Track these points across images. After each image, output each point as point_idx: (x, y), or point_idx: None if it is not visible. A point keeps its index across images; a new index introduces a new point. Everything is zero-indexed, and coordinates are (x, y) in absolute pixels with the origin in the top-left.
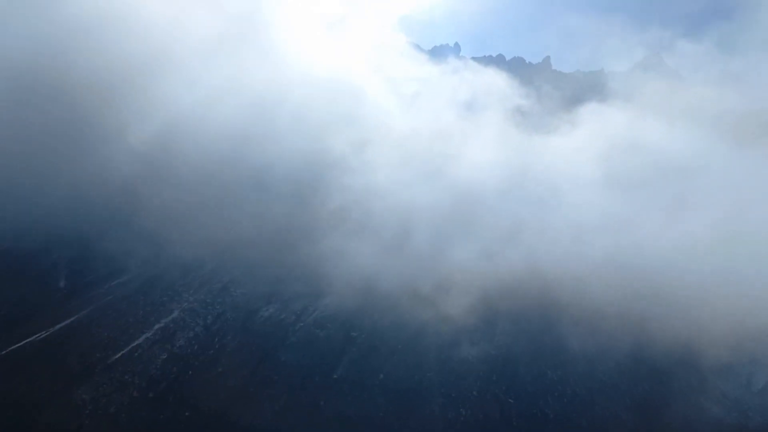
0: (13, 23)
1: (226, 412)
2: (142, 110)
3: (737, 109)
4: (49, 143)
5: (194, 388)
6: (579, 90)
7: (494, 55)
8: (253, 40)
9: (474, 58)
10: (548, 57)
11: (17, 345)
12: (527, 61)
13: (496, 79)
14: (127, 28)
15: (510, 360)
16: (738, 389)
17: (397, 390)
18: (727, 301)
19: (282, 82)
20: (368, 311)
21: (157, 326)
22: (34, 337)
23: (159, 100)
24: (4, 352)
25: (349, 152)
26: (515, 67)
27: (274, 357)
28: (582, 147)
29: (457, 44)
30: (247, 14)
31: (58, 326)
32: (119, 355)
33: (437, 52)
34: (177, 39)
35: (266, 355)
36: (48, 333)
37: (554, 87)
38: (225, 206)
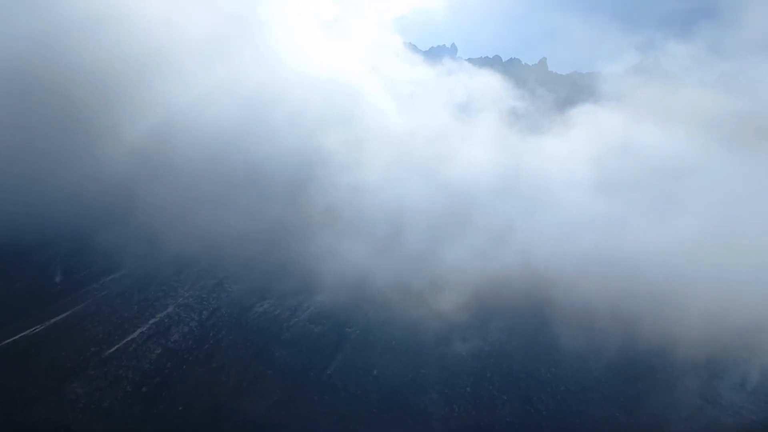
0: (8, 21)
1: (219, 407)
2: (137, 108)
3: (730, 112)
4: (45, 141)
5: (188, 383)
6: (574, 92)
7: (491, 56)
8: (248, 39)
9: (470, 59)
10: (544, 58)
11: (12, 339)
12: (523, 63)
13: (491, 81)
14: (123, 27)
15: (503, 357)
16: (732, 388)
17: (390, 386)
18: (721, 300)
19: (277, 82)
20: (362, 308)
21: (151, 321)
22: (29, 331)
23: (154, 98)
24: None
25: (343, 151)
26: (511, 68)
27: (268, 353)
28: (576, 148)
29: (454, 45)
30: (242, 14)
31: (52, 321)
32: (113, 349)
33: (434, 53)
34: (173, 38)
35: (260, 351)
36: (43, 327)
37: (549, 89)
38: (220, 203)
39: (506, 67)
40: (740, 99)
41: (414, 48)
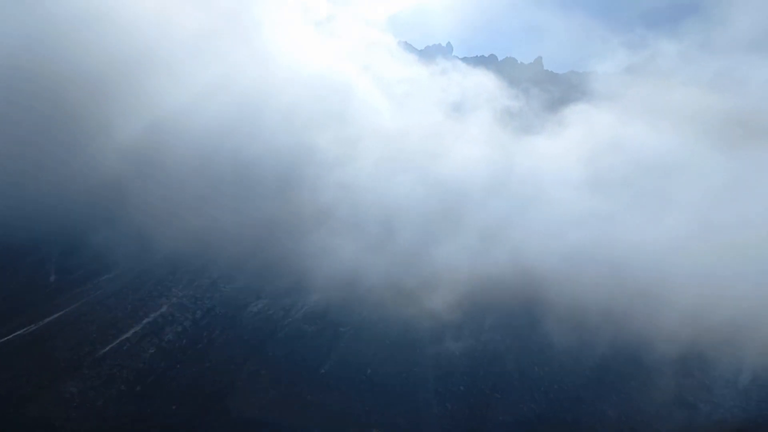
0: None
1: (213, 407)
2: (129, 107)
3: (719, 111)
4: (37, 139)
5: (182, 382)
6: (569, 91)
7: (486, 55)
8: (240, 38)
9: (465, 58)
10: (540, 57)
11: (6, 338)
12: (519, 61)
13: (484, 80)
14: (115, 25)
15: (496, 356)
16: (723, 386)
17: (384, 385)
18: (712, 298)
19: (269, 80)
20: (357, 307)
21: (145, 320)
22: (23, 330)
23: (146, 96)
24: None
25: (335, 149)
26: (507, 67)
27: (262, 352)
28: (569, 147)
29: (449, 44)
30: (235, 11)
31: (47, 320)
32: (107, 348)
33: (429, 52)
34: (164, 36)
35: (254, 350)
36: (37, 327)
37: (543, 88)
38: (213, 202)
39: (501, 66)
40: (729, 97)
41: (409, 47)
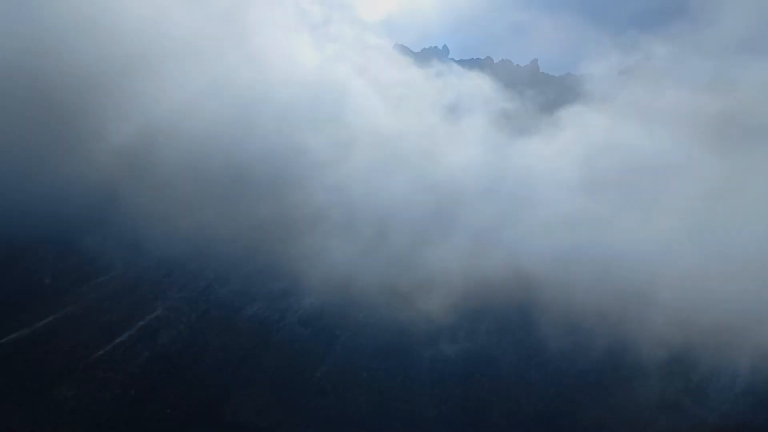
0: None
1: (207, 411)
2: (123, 110)
3: (712, 112)
4: (30, 142)
5: (176, 386)
6: (564, 93)
7: (483, 57)
8: (235, 39)
9: (462, 61)
10: (536, 60)
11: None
12: (515, 64)
13: (480, 83)
14: (109, 28)
15: (492, 359)
16: (720, 390)
17: (379, 389)
18: (706, 301)
19: (264, 82)
20: (351, 310)
21: (140, 324)
22: (17, 334)
23: (140, 99)
24: None
25: (330, 152)
26: (502, 69)
27: (257, 356)
28: (564, 149)
29: (445, 46)
30: (229, 14)
31: (41, 323)
32: (102, 352)
33: (425, 55)
34: (158, 38)
35: (249, 354)
36: (31, 330)
37: (539, 90)
38: (207, 204)
39: (497, 68)
40: (722, 98)
41: (405, 49)
